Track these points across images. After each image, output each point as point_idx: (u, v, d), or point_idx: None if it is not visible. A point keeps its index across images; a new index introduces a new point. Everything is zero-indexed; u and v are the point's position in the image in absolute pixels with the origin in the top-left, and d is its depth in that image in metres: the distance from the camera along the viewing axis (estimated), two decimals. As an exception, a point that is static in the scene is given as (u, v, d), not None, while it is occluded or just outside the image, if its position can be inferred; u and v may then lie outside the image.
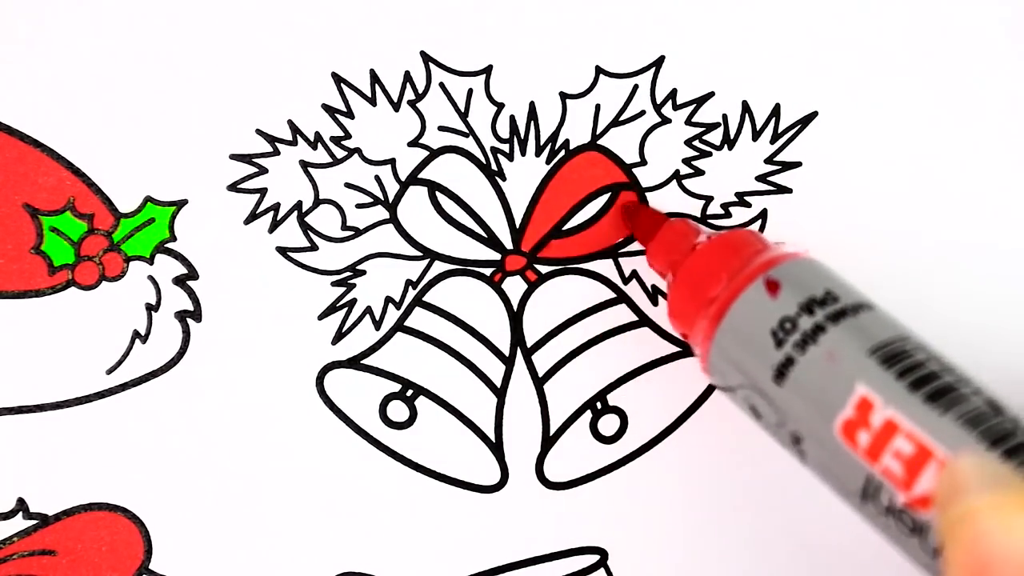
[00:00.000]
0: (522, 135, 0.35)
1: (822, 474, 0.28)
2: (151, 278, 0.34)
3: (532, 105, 0.35)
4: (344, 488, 0.35)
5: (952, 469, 0.24)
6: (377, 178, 0.35)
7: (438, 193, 0.35)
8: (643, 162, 0.35)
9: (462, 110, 0.35)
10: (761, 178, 0.35)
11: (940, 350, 0.28)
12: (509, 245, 0.35)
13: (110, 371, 0.34)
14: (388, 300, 0.35)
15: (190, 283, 0.34)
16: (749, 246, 0.31)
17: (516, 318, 0.35)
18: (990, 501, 0.23)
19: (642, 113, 0.35)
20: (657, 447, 0.35)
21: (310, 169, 0.34)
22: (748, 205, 0.35)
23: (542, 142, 0.35)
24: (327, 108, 0.34)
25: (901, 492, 0.25)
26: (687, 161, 0.35)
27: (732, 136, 0.35)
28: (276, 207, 0.34)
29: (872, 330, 0.28)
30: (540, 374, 0.35)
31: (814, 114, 0.35)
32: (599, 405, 0.35)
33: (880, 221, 0.35)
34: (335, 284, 0.35)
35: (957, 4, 0.35)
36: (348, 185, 0.35)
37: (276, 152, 0.34)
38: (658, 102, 0.35)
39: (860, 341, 0.27)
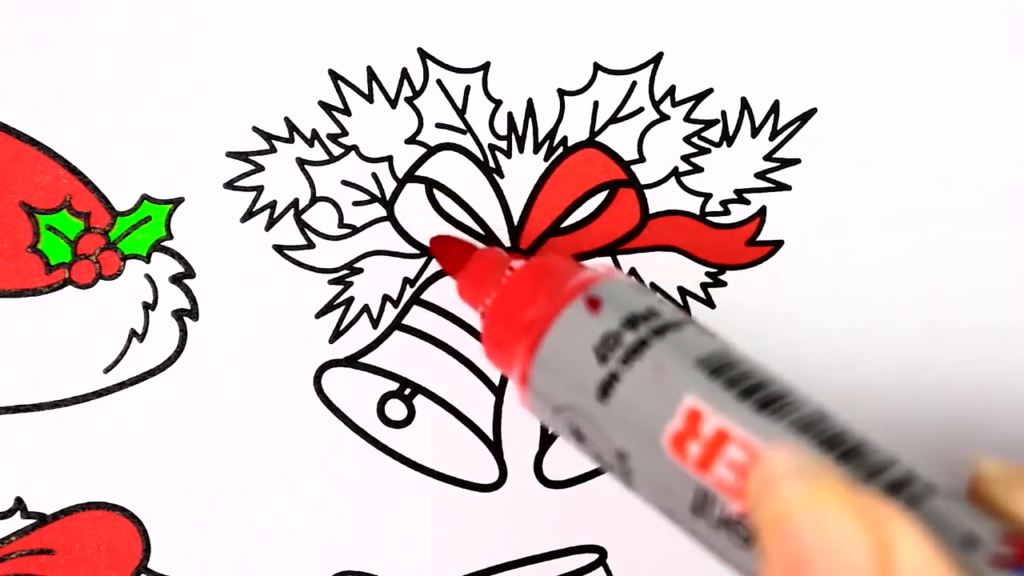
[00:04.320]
0: (520, 132, 0.35)
1: (650, 493, 0.27)
2: (148, 276, 0.34)
3: (530, 102, 0.34)
4: (342, 487, 0.35)
5: (764, 464, 0.24)
6: (374, 175, 0.35)
7: (435, 190, 0.35)
8: (642, 159, 0.35)
9: (459, 107, 0.34)
10: (760, 175, 0.35)
11: (763, 361, 0.27)
12: (507, 243, 0.35)
13: (107, 370, 0.34)
14: (386, 298, 0.35)
15: (187, 281, 0.34)
16: (564, 268, 0.30)
17: (514, 316, 0.35)
18: (804, 494, 0.22)
19: (640, 110, 0.35)
20: (656, 445, 0.35)
21: (307, 167, 0.34)
22: (747, 202, 0.35)
23: (540, 139, 0.35)
24: (324, 105, 0.34)
25: (735, 502, 0.25)
26: (686, 158, 0.35)
27: (731, 133, 0.35)
28: (273, 205, 0.34)
29: (696, 342, 0.27)
30: (538, 372, 0.35)
31: (813, 111, 0.35)
32: (598, 403, 0.35)
33: (879, 218, 0.35)
34: (332, 282, 0.35)
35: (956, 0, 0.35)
36: (345, 183, 0.34)
37: (273, 150, 0.34)
38: (657, 99, 0.35)
39: (685, 353, 0.27)
